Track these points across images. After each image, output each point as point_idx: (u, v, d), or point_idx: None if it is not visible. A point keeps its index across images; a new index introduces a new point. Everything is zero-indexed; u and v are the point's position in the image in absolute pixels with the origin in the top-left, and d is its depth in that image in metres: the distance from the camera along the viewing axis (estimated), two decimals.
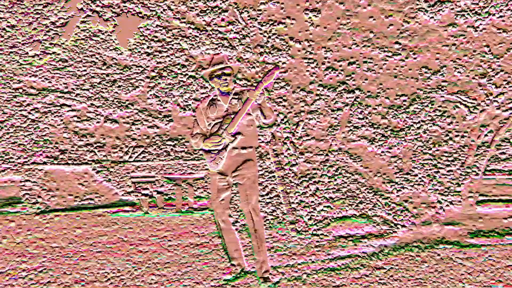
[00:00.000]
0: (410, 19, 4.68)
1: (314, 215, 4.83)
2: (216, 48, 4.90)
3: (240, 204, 3.86)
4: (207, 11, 4.88)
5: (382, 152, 4.79)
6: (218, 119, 3.80)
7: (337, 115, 4.81)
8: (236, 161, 3.78)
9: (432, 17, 4.66)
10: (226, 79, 3.80)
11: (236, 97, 3.82)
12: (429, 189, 4.78)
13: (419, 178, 4.78)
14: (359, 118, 4.80)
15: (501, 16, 4.67)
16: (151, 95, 5.11)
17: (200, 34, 4.91)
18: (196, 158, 5.17)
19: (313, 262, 4.19)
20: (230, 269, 3.88)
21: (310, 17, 4.77)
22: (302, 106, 4.82)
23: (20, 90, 5.09)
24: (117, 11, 5.06)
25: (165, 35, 4.99)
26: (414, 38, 4.70)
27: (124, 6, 5.02)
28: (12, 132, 5.10)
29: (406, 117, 4.76)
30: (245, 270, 3.89)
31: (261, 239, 3.78)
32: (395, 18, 4.70)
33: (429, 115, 4.75)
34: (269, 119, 3.79)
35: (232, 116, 3.78)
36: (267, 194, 4.90)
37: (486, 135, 4.73)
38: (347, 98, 4.80)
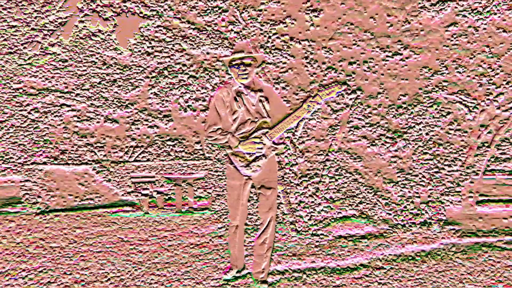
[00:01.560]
0: (412, 17, 4.67)
1: (314, 215, 4.83)
2: (216, 48, 4.90)
3: (261, 211, 3.61)
4: (208, 11, 4.88)
5: (384, 153, 4.79)
6: (245, 117, 3.46)
7: (337, 115, 4.81)
8: (263, 173, 3.54)
9: (434, 16, 4.66)
10: (245, 70, 3.40)
11: (263, 95, 3.48)
12: (429, 189, 4.78)
13: (419, 178, 4.78)
14: (359, 118, 4.80)
15: (501, 16, 4.67)
16: (151, 94, 5.11)
17: (200, 34, 4.91)
18: (196, 158, 5.17)
19: (315, 263, 4.19)
20: (228, 268, 3.83)
21: (310, 17, 4.77)
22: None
23: (20, 90, 5.09)
24: (117, 11, 5.06)
25: (165, 34, 4.99)
26: (416, 38, 4.70)
27: (124, 6, 5.02)
28: (12, 132, 5.10)
29: (408, 117, 4.76)
30: (243, 271, 3.85)
31: (270, 246, 3.70)
32: (398, 17, 4.70)
33: (430, 115, 4.75)
34: (298, 132, 3.58)
35: (268, 118, 3.47)
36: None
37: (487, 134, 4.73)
38: (347, 98, 4.80)
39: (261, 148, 3.44)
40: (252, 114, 3.47)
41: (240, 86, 3.48)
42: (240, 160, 3.47)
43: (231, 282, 3.75)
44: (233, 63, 3.43)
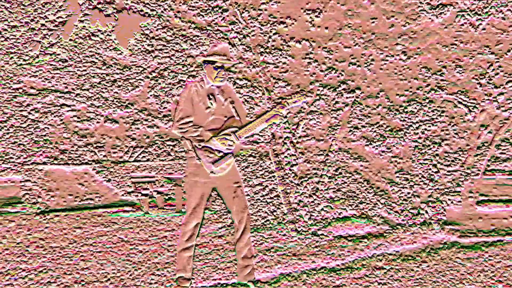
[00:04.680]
0: (411, 20, 4.68)
1: (314, 215, 4.83)
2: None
3: (235, 211, 3.55)
4: (208, 11, 4.88)
5: (383, 152, 4.79)
6: (215, 116, 3.50)
7: (337, 115, 4.81)
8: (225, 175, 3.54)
9: (432, 20, 4.66)
10: (223, 74, 3.50)
11: (230, 97, 3.56)
12: (429, 189, 4.78)
13: (419, 178, 4.78)
14: (359, 118, 4.80)
15: (502, 16, 4.68)
16: (152, 94, 5.11)
17: (200, 34, 4.91)
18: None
19: (313, 262, 4.19)
20: (180, 283, 3.59)
21: (311, 17, 4.77)
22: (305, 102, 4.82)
23: (20, 90, 5.09)
24: (118, 8, 5.06)
25: (166, 33, 4.99)
26: (415, 40, 4.70)
27: (125, 3, 5.02)
28: (12, 132, 5.10)
29: (406, 117, 4.76)
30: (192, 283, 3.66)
31: (251, 245, 3.62)
32: (397, 19, 4.70)
33: (428, 115, 4.75)
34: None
35: (238, 118, 3.55)
36: (267, 194, 4.90)
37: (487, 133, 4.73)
38: (347, 98, 4.80)
39: (232, 145, 3.48)
40: (222, 114, 3.53)
41: (212, 86, 3.54)
42: (208, 156, 3.47)
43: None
44: (214, 64, 3.48)
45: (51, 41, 5.08)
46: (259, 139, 4.85)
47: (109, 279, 3.78)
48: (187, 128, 3.48)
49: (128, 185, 5.17)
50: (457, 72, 4.72)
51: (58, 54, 5.10)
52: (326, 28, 4.76)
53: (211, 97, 3.52)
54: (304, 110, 4.72)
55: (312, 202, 4.83)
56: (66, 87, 5.11)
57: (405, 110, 4.76)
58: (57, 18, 5.06)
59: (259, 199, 4.89)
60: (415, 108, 4.75)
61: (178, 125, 3.50)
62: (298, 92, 3.55)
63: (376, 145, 4.76)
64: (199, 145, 3.48)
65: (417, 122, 4.75)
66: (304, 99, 3.59)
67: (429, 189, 4.77)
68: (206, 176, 3.51)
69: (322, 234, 4.72)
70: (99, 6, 5.01)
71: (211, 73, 3.50)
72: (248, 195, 4.81)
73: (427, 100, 4.75)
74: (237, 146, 3.60)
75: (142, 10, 4.95)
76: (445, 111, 4.75)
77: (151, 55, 5.03)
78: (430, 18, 4.64)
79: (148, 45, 5.01)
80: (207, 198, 3.57)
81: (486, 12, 4.67)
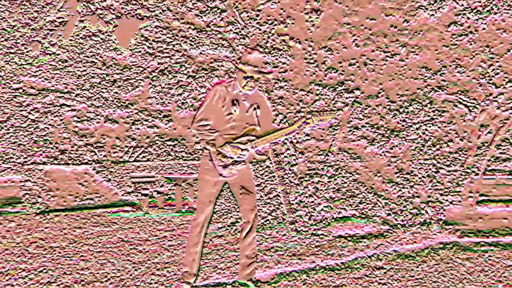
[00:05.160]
0: (410, 17, 4.68)
1: (314, 215, 4.83)
2: (215, 48, 4.90)
3: (244, 210, 3.59)
4: (207, 11, 4.88)
5: (383, 152, 4.79)
6: (236, 122, 3.50)
7: (337, 115, 4.81)
8: (239, 179, 3.55)
9: (433, 15, 4.66)
10: (252, 85, 3.47)
11: (257, 105, 3.53)
12: (429, 189, 4.78)
13: (419, 178, 4.78)
14: (359, 118, 4.80)
15: (501, 16, 4.67)
16: (152, 93, 5.11)
17: (199, 35, 4.91)
18: (196, 158, 5.17)
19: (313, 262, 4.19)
20: (185, 278, 3.62)
21: (310, 17, 4.77)
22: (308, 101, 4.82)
23: (20, 90, 5.09)
24: (116, 14, 5.06)
25: (165, 35, 4.99)
26: (414, 37, 4.70)
27: (124, 9, 5.02)
28: (12, 132, 5.10)
29: (406, 117, 4.76)
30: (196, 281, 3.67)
31: (256, 245, 3.64)
32: (395, 16, 4.70)
33: (428, 115, 4.75)
34: (262, 156, 3.61)
35: (258, 127, 3.51)
36: (267, 194, 4.90)
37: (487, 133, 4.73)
38: (347, 98, 4.80)
39: (244, 154, 3.48)
40: (243, 120, 3.52)
41: (240, 92, 3.52)
42: (220, 159, 3.49)
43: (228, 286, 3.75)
44: (248, 74, 3.45)
45: (51, 41, 5.08)
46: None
47: (109, 279, 3.78)
48: (203, 131, 3.50)
49: (128, 185, 5.17)
50: (457, 72, 4.72)
51: (58, 54, 5.10)
52: (326, 27, 4.76)
53: (235, 102, 3.51)
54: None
55: (312, 202, 4.83)
56: (66, 87, 5.11)
57: (406, 110, 4.76)
58: (58, 18, 5.06)
59: (259, 199, 4.89)
60: (416, 108, 4.75)
61: (196, 126, 3.53)
62: (326, 110, 3.48)
63: (377, 146, 4.76)
64: (214, 148, 3.50)
65: (417, 123, 4.75)
66: (331, 118, 3.49)
67: (429, 189, 4.77)
68: (217, 175, 3.54)
69: (322, 234, 4.72)
70: (98, 12, 5.01)
71: (241, 81, 3.49)
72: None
73: (427, 100, 4.75)
74: (251, 154, 3.58)
75: (140, 14, 4.95)
76: (445, 111, 4.75)
77: (151, 56, 5.04)
78: (428, 14, 4.64)
79: (148, 46, 5.02)
80: (216, 196, 3.60)
81: (487, 11, 4.67)
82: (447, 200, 4.76)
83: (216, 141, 3.50)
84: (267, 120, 3.58)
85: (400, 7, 4.67)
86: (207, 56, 4.92)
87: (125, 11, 4.99)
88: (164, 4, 4.92)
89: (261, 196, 4.89)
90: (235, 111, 3.50)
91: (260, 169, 4.88)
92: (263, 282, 3.76)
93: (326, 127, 4.76)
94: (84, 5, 5.02)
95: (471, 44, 4.69)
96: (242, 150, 3.48)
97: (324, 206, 4.84)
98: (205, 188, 3.56)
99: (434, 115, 4.75)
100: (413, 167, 4.77)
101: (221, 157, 3.49)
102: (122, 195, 5.18)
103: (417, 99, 4.76)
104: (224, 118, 3.50)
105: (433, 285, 3.70)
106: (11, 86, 5.09)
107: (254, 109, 3.53)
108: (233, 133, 3.51)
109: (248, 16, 4.80)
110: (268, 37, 4.80)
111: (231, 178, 3.54)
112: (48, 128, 5.11)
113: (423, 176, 4.78)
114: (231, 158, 3.50)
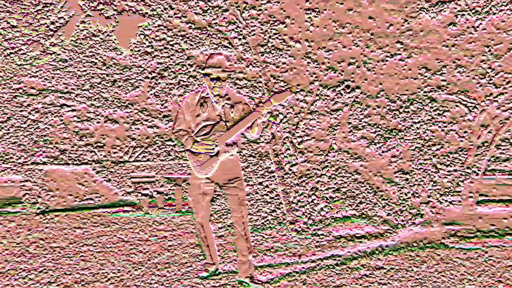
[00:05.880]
0: (411, 19, 4.68)
1: (313, 215, 4.83)
2: (216, 48, 4.90)
3: (233, 213, 3.73)
4: (208, 11, 4.88)
5: (383, 152, 4.80)
6: (207, 122, 3.68)
7: (337, 115, 4.81)
8: (224, 172, 3.69)
9: (434, 17, 4.66)
10: (220, 85, 3.68)
11: (230, 103, 3.72)
12: (428, 189, 4.78)
13: (419, 178, 4.78)
14: (359, 118, 4.80)
15: (501, 15, 4.68)
16: (151, 94, 5.11)
17: (200, 34, 4.91)
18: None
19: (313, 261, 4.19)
20: (206, 267, 3.85)
21: (310, 17, 4.77)
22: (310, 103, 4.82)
23: (20, 90, 5.09)
24: (118, 9, 5.06)
25: (166, 34, 4.99)
26: (415, 38, 4.70)
27: (125, 4, 5.02)
28: (12, 132, 5.10)
29: (406, 117, 4.76)
30: (218, 269, 3.85)
31: (250, 240, 3.73)
32: (396, 18, 4.70)
33: (429, 115, 4.75)
34: (256, 135, 3.73)
35: (225, 123, 3.68)
36: (267, 194, 4.90)
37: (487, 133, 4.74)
38: (347, 98, 4.80)
39: (212, 149, 3.63)
40: (212, 119, 3.70)
41: (207, 94, 3.74)
42: (197, 160, 3.68)
43: (217, 280, 3.75)
44: (210, 76, 3.69)
45: (52, 41, 5.08)
46: (260, 139, 4.85)
47: (109, 279, 3.78)
48: (177, 135, 3.77)
49: (128, 185, 5.17)
50: (457, 72, 4.72)
51: (59, 54, 5.10)
52: (325, 27, 4.76)
53: (203, 104, 3.72)
54: (303, 110, 4.73)
55: (312, 202, 4.83)
56: (66, 87, 5.12)
57: (406, 110, 4.76)
58: (59, 18, 5.06)
59: (259, 199, 4.89)
60: (416, 108, 4.75)
61: (171, 132, 3.86)
62: (283, 91, 3.59)
63: (377, 146, 4.76)
64: (185, 150, 3.75)
65: (418, 122, 4.75)
66: (289, 95, 3.61)
67: (429, 189, 4.77)
68: (198, 177, 3.72)
69: (322, 234, 4.72)
70: (99, 7, 5.01)
71: (210, 84, 3.72)
72: (248, 194, 4.81)
73: (428, 100, 4.75)
74: (223, 149, 3.66)
75: (142, 10, 4.95)
76: (446, 111, 4.75)
77: (150, 55, 5.04)
78: (430, 16, 4.64)
79: (148, 46, 5.02)
80: (210, 195, 3.76)
81: (487, 11, 4.67)
82: (447, 200, 4.77)
83: (185, 143, 3.73)
84: (240, 115, 3.72)
85: (401, 8, 4.67)
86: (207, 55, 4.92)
87: (127, 7, 5.00)
88: (166, 2, 4.92)
89: (257, 191, 4.90)
90: (203, 112, 3.70)
91: (247, 161, 4.88)
92: (263, 282, 3.76)
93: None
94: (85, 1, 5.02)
95: (471, 44, 4.70)
96: (210, 145, 3.63)
97: (324, 206, 4.84)
98: (193, 191, 3.75)
99: (435, 115, 4.75)
100: (413, 167, 4.77)
101: (193, 157, 3.67)
102: (122, 195, 5.18)
103: (417, 99, 4.76)
104: (195, 121, 3.72)
105: (433, 285, 3.70)
106: (11, 86, 5.09)
107: (223, 106, 3.71)
108: (202, 133, 3.69)
109: (249, 15, 4.80)
110: (269, 37, 4.80)
111: (208, 175, 3.67)
112: (48, 128, 5.11)
113: (423, 176, 4.78)
114: (203, 154, 3.65)
